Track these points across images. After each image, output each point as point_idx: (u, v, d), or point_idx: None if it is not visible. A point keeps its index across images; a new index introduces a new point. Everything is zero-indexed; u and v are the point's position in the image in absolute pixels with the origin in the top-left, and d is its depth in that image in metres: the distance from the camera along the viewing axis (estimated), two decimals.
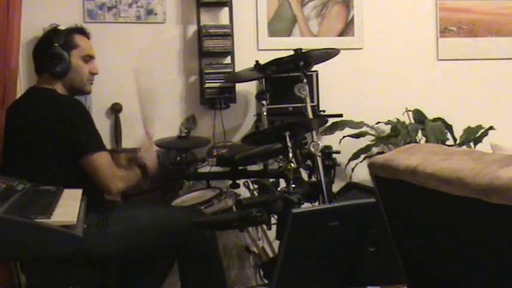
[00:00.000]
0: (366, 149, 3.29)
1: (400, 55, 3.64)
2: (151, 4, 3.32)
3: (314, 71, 3.32)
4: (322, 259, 1.61)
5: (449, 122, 3.38)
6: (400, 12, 3.65)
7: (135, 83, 3.32)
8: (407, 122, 3.39)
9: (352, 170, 3.33)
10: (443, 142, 3.21)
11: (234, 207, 2.59)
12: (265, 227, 2.39)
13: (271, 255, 2.77)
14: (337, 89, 3.53)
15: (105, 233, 2.17)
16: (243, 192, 2.93)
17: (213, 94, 3.25)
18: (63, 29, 2.38)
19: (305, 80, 2.69)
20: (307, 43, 3.34)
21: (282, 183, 2.66)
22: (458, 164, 1.17)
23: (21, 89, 2.82)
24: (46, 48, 2.33)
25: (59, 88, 2.35)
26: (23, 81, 2.94)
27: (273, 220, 2.25)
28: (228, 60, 3.34)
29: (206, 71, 3.24)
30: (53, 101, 2.29)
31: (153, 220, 2.30)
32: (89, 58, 2.43)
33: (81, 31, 2.44)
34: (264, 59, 2.87)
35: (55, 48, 2.31)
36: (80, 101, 2.35)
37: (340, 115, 3.41)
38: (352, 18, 3.57)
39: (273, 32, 3.48)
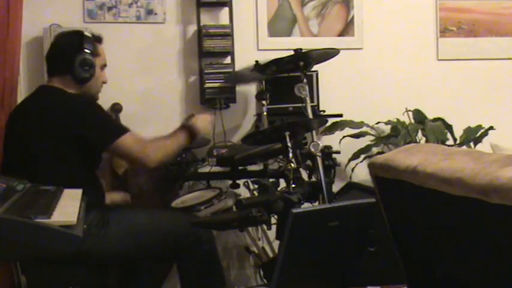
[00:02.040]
0: (366, 149, 3.29)
1: (400, 55, 3.64)
2: (151, 4, 3.32)
3: (314, 71, 3.32)
4: (322, 259, 1.61)
5: (449, 122, 3.38)
6: (400, 12, 3.65)
7: (135, 83, 3.33)
8: (407, 122, 3.39)
9: (352, 170, 3.33)
10: (443, 142, 3.21)
11: (234, 207, 2.59)
12: (265, 227, 2.40)
13: (271, 255, 2.78)
14: (337, 89, 3.53)
15: (105, 234, 2.17)
16: (243, 192, 2.93)
17: (213, 94, 3.25)
18: (88, 35, 2.38)
19: (305, 80, 2.70)
20: (307, 43, 3.34)
21: (282, 183, 2.66)
22: (458, 164, 1.17)
23: (21, 89, 2.82)
24: (76, 52, 2.32)
25: (72, 91, 2.34)
26: (23, 81, 2.94)
27: (273, 220, 2.25)
28: (228, 60, 3.34)
29: (206, 71, 3.24)
30: (64, 99, 2.29)
31: (152, 223, 2.31)
32: (104, 67, 2.46)
33: (100, 40, 2.46)
34: (264, 59, 2.87)
35: (86, 54, 2.32)
36: (89, 96, 2.36)
37: (340, 115, 3.41)
38: (352, 18, 3.57)
39: (273, 32, 3.48)
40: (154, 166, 2.29)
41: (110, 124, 2.32)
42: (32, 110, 2.30)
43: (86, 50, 2.33)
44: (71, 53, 2.32)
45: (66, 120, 2.20)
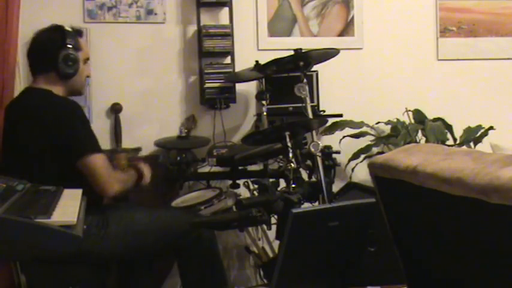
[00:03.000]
0: (366, 149, 3.29)
1: (400, 55, 3.64)
2: (151, 4, 3.32)
3: (314, 71, 3.32)
4: (322, 259, 1.61)
5: (449, 122, 3.38)
6: (400, 12, 3.65)
7: (135, 83, 3.33)
8: (407, 122, 3.39)
9: (352, 170, 3.32)
10: (443, 142, 3.21)
11: (234, 207, 2.59)
12: (265, 227, 2.39)
13: (271, 255, 2.77)
14: (337, 89, 3.53)
15: (105, 234, 2.17)
16: (243, 192, 2.93)
17: (213, 94, 3.24)
18: (69, 30, 2.35)
19: (305, 80, 2.69)
20: (307, 43, 3.33)
21: (282, 183, 2.66)
22: (458, 164, 1.17)
23: (20, 88, 2.82)
24: (58, 48, 2.30)
25: (58, 89, 2.33)
26: (22, 81, 2.93)
27: (273, 220, 2.25)
28: (228, 60, 3.34)
29: (206, 71, 3.24)
30: (51, 102, 2.28)
31: (153, 222, 2.31)
32: (87, 61, 2.44)
33: (81, 33, 2.44)
34: (264, 59, 2.87)
35: (69, 49, 2.30)
36: (77, 102, 2.34)
37: (340, 115, 3.41)
38: (352, 18, 3.57)
39: (273, 32, 3.48)
40: (111, 196, 2.24)
41: (88, 138, 2.25)
42: (22, 113, 2.29)
43: (69, 45, 2.30)
44: (54, 49, 2.30)
45: (53, 124, 2.20)
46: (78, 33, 2.40)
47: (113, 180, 2.22)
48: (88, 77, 2.47)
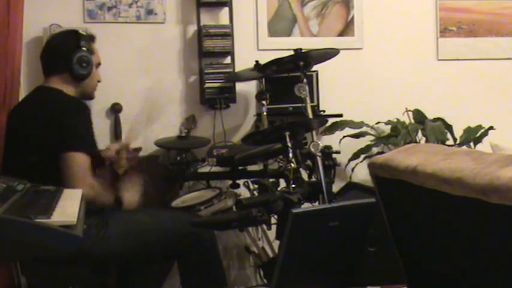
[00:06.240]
0: (366, 149, 3.29)
1: (400, 55, 3.64)
2: (151, 4, 3.32)
3: (314, 71, 3.31)
4: (322, 259, 1.61)
5: (449, 122, 3.38)
6: (400, 12, 3.64)
7: (135, 83, 3.33)
8: (407, 122, 3.39)
9: (352, 170, 3.32)
10: (443, 142, 3.21)
11: (234, 207, 2.59)
12: (265, 227, 2.40)
13: (271, 255, 2.77)
14: (337, 89, 3.53)
15: (105, 235, 2.17)
16: (243, 192, 2.93)
17: (213, 94, 3.24)
18: (83, 34, 2.40)
19: (305, 80, 2.70)
20: (307, 43, 3.34)
21: (282, 183, 2.66)
22: (458, 164, 1.17)
23: (21, 89, 2.82)
24: (73, 50, 2.34)
25: (70, 91, 2.36)
26: (23, 81, 2.93)
27: (273, 220, 2.25)
28: (228, 60, 3.34)
29: (206, 71, 3.24)
30: (59, 100, 2.30)
31: (153, 222, 2.31)
32: (99, 65, 2.49)
33: (94, 39, 2.49)
34: (264, 59, 2.87)
35: (84, 51, 2.35)
36: (85, 104, 2.36)
37: (340, 115, 3.41)
38: (352, 18, 3.57)
39: (273, 32, 3.48)
40: None
41: (81, 136, 2.23)
42: (30, 111, 2.31)
43: (83, 48, 2.35)
44: (69, 50, 2.34)
45: (55, 119, 2.21)
46: (91, 38, 2.45)
47: (85, 184, 2.15)
48: (99, 81, 2.51)
